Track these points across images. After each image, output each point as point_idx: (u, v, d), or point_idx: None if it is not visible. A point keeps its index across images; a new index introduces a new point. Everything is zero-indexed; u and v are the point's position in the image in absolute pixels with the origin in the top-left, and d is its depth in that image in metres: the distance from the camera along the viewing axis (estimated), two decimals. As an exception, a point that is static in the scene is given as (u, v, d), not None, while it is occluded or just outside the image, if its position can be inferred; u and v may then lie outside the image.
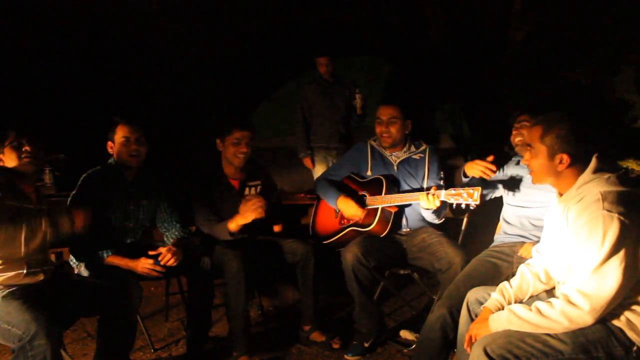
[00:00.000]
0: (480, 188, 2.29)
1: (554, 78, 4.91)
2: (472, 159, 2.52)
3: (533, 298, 1.83)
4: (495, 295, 1.82)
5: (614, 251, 1.48)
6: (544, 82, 4.92)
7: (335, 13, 5.32)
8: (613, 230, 1.48)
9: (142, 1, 4.65)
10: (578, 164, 1.64)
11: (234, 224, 2.60)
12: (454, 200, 2.35)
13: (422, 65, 5.18)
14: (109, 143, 2.53)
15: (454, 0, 5.13)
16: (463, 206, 2.33)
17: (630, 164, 4.38)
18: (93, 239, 2.39)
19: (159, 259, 2.39)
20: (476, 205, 2.29)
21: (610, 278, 1.48)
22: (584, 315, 1.51)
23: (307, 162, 4.23)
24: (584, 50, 4.73)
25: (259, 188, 2.89)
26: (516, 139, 2.48)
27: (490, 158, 2.43)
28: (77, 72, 4.69)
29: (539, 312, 1.57)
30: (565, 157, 1.63)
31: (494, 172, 2.43)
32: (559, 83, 4.88)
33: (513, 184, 2.52)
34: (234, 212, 2.65)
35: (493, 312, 1.75)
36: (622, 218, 1.48)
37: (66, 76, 4.66)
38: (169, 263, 2.39)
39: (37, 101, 4.53)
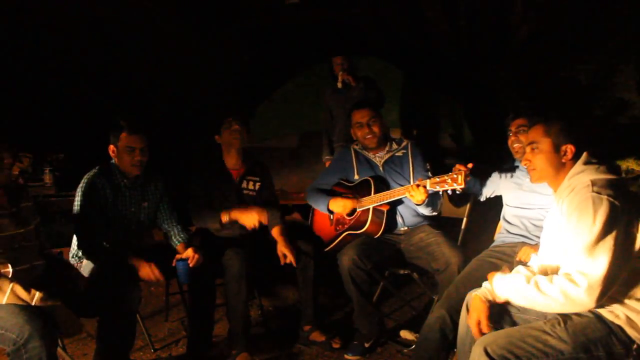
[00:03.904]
0: (463, 172, 2.27)
1: (554, 78, 4.91)
2: (473, 159, 2.51)
3: None
4: (486, 284, 1.83)
5: (605, 229, 1.51)
6: (544, 82, 4.91)
7: (335, 13, 5.31)
8: (603, 210, 1.52)
9: (142, 1, 4.65)
10: (578, 157, 1.71)
11: (227, 216, 2.68)
12: (439, 188, 2.36)
13: (423, 65, 5.18)
14: (111, 147, 2.51)
15: (454, 0, 5.12)
16: (449, 192, 2.34)
17: (630, 164, 4.38)
18: (99, 235, 2.43)
19: (189, 262, 2.44)
20: (462, 189, 2.29)
21: (604, 256, 1.51)
22: (581, 293, 1.52)
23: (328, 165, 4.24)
24: (584, 50, 4.73)
25: (257, 185, 2.92)
26: (514, 145, 2.45)
27: (470, 165, 2.42)
28: (76, 72, 4.69)
29: (537, 286, 1.60)
30: (571, 147, 1.72)
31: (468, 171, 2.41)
32: (559, 83, 4.88)
33: (512, 186, 2.52)
34: (229, 201, 2.75)
35: (483, 301, 1.76)
36: (611, 199, 1.53)
37: (66, 76, 4.66)
38: (198, 264, 2.46)
39: (37, 101, 4.53)
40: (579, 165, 1.70)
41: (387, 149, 2.89)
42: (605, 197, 1.54)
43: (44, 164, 3.42)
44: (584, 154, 1.71)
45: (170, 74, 5.13)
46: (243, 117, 2.88)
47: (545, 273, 1.82)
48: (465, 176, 2.28)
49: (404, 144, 2.90)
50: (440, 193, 2.50)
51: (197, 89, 5.29)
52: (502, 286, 1.72)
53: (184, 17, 4.92)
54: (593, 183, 1.60)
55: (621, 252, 1.52)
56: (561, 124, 1.74)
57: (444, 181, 2.33)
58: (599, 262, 1.51)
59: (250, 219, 2.68)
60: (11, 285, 1.84)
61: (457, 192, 2.32)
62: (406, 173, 2.82)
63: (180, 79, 5.17)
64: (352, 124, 2.89)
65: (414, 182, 2.74)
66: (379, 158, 2.88)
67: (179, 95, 5.23)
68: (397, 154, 2.87)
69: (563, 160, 1.74)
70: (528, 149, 1.80)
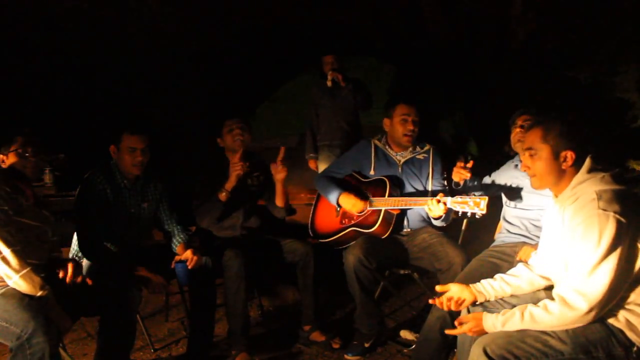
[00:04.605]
0: (487, 197, 2.23)
1: (553, 78, 4.91)
2: (472, 159, 2.51)
3: (530, 296, 1.83)
4: (489, 280, 1.84)
5: (610, 250, 1.48)
6: (544, 82, 4.92)
7: (335, 13, 5.32)
8: (609, 230, 1.48)
9: (142, 1, 4.66)
10: (579, 163, 1.63)
11: (224, 193, 2.67)
12: (459, 208, 2.30)
13: (423, 65, 5.18)
14: (112, 147, 2.52)
15: (454, 0, 5.13)
16: (469, 214, 2.27)
17: (631, 164, 4.39)
18: (99, 235, 2.45)
19: (187, 263, 2.44)
20: (482, 214, 2.23)
21: (606, 276, 1.48)
22: (580, 315, 1.51)
23: (311, 164, 4.24)
24: (584, 50, 4.73)
25: (261, 178, 2.95)
26: (517, 137, 2.46)
27: (469, 164, 2.42)
28: (76, 72, 4.69)
29: (533, 320, 1.56)
30: (571, 154, 1.63)
31: (469, 176, 2.42)
32: (558, 83, 4.88)
33: (511, 186, 2.52)
34: (235, 200, 2.75)
35: (479, 292, 1.78)
36: (617, 217, 1.48)
37: (66, 76, 4.66)
38: (197, 265, 2.46)
39: (37, 100, 4.53)
40: (582, 173, 1.62)
41: (410, 149, 2.86)
42: (612, 214, 1.48)
43: (44, 164, 3.41)
44: (588, 161, 1.63)
45: (170, 74, 5.13)
46: (243, 118, 2.86)
47: (545, 278, 1.82)
48: (488, 202, 2.22)
49: (426, 147, 2.87)
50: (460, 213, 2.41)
51: (197, 89, 5.29)
52: (495, 324, 1.64)
53: (184, 17, 4.92)
54: (599, 196, 1.53)
55: (623, 273, 1.49)
56: (560, 129, 1.64)
57: (466, 203, 2.27)
58: (600, 282, 1.48)
59: (234, 171, 2.67)
60: (28, 268, 1.87)
61: (477, 216, 2.25)
62: (424, 177, 2.80)
63: (180, 79, 5.17)
64: (392, 115, 2.82)
65: (431, 188, 2.75)
66: (400, 157, 2.85)
67: (179, 95, 5.24)
68: (417, 157, 2.84)
69: (563, 167, 1.65)
70: (526, 154, 1.72)
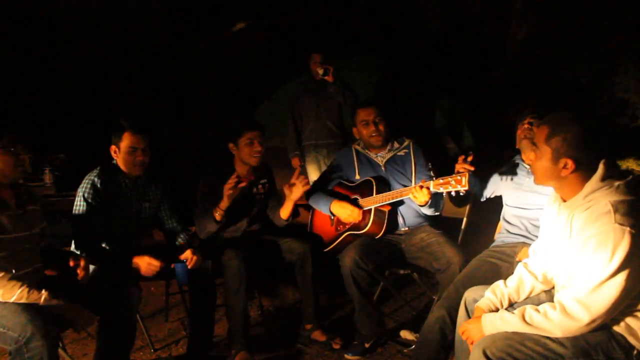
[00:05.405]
0: (467, 173, 2.26)
1: (553, 78, 4.91)
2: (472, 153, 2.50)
3: (531, 298, 1.83)
4: (488, 295, 1.82)
5: (622, 267, 1.44)
6: (544, 82, 4.91)
7: (335, 13, 5.32)
8: (624, 246, 1.43)
9: (142, 2, 4.66)
10: (583, 170, 1.57)
11: (218, 212, 2.62)
12: (443, 190, 2.34)
13: (422, 65, 5.18)
14: (113, 147, 2.52)
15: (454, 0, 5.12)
16: (453, 194, 2.31)
17: (630, 164, 4.38)
18: (98, 237, 2.44)
19: (187, 263, 2.44)
20: (465, 190, 2.27)
21: (613, 292, 1.45)
22: (583, 327, 1.50)
23: (295, 161, 4.23)
24: (584, 50, 4.73)
25: (267, 186, 2.94)
26: (524, 133, 2.40)
27: (470, 158, 2.42)
28: (76, 72, 4.69)
29: (533, 325, 1.56)
30: (570, 163, 1.55)
31: (473, 169, 2.41)
32: (558, 83, 4.88)
33: (512, 185, 2.51)
34: (240, 207, 2.74)
35: (485, 312, 1.75)
36: (633, 231, 1.43)
37: (66, 76, 4.66)
38: (197, 265, 2.46)
39: (37, 101, 4.53)
40: (595, 181, 1.54)
41: (388, 148, 2.87)
42: (628, 229, 1.43)
43: (44, 164, 3.42)
44: (601, 166, 1.55)
45: (170, 74, 5.13)
46: (262, 129, 2.78)
47: (546, 277, 1.82)
48: (469, 178, 2.26)
49: (405, 143, 2.88)
50: (444, 194, 2.45)
51: (198, 89, 5.29)
52: (494, 323, 1.64)
53: (185, 18, 4.93)
54: (615, 209, 1.46)
55: (632, 287, 1.46)
56: (564, 135, 1.55)
57: (448, 183, 2.31)
58: (605, 297, 1.46)
59: (228, 191, 2.58)
60: (22, 286, 1.85)
61: (461, 194, 2.30)
62: (408, 173, 2.81)
63: (180, 78, 5.17)
64: (356, 123, 2.87)
65: (416, 182, 2.74)
66: (380, 158, 2.86)
67: (179, 94, 5.23)
68: (399, 153, 2.86)
69: (562, 174, 1.58)
70: (531, 148, 1.68)
